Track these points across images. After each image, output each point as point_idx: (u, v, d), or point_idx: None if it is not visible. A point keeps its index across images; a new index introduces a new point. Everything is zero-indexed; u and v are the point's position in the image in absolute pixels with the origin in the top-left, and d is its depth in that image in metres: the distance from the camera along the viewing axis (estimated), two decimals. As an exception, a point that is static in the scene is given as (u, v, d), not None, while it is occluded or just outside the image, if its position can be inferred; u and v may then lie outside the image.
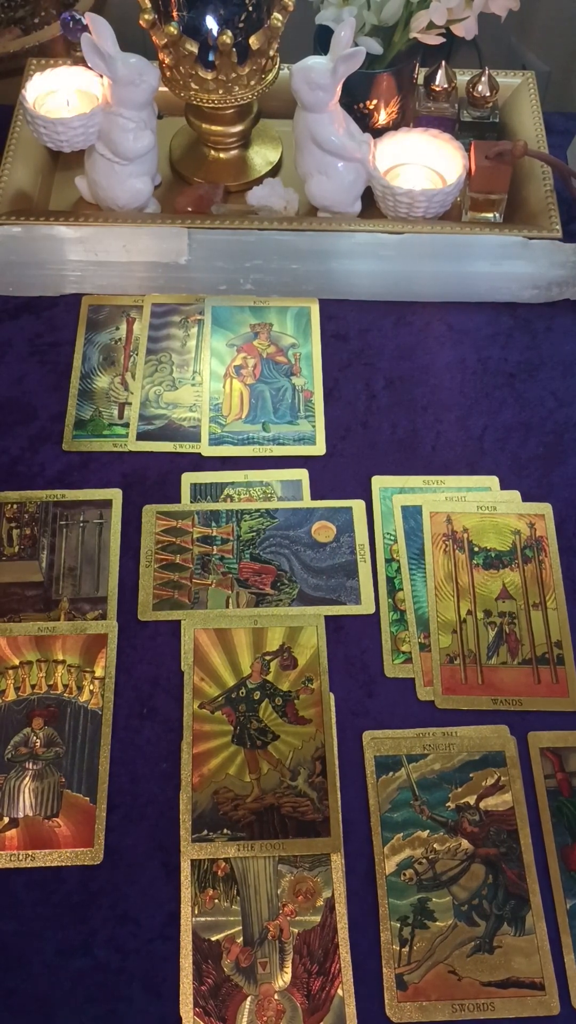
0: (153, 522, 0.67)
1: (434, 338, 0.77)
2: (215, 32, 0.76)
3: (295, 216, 0.83)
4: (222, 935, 0.53)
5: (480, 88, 0.86)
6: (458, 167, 0.80)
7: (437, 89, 0.86)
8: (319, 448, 0.71)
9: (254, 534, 0.66)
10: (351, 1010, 0.51)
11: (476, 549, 0.66)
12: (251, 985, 0.51)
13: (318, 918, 0.53)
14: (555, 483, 0.70)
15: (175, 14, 0.76)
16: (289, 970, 0.52)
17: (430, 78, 0.86)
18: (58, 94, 0.82)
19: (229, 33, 0.73)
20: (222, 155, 0.87)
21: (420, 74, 0.86)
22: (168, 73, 0.79)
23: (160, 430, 0.72)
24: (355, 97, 0.82)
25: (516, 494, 0.69)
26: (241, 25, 0.77)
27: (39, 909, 0.54)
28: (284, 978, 0.52)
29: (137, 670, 0.61)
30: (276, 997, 0.51)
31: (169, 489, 0.69)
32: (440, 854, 0.55)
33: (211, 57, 0.76)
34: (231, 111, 0.83)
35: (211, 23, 0.76)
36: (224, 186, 0.85)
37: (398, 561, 0.66)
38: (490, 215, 0.82)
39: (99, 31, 0.73)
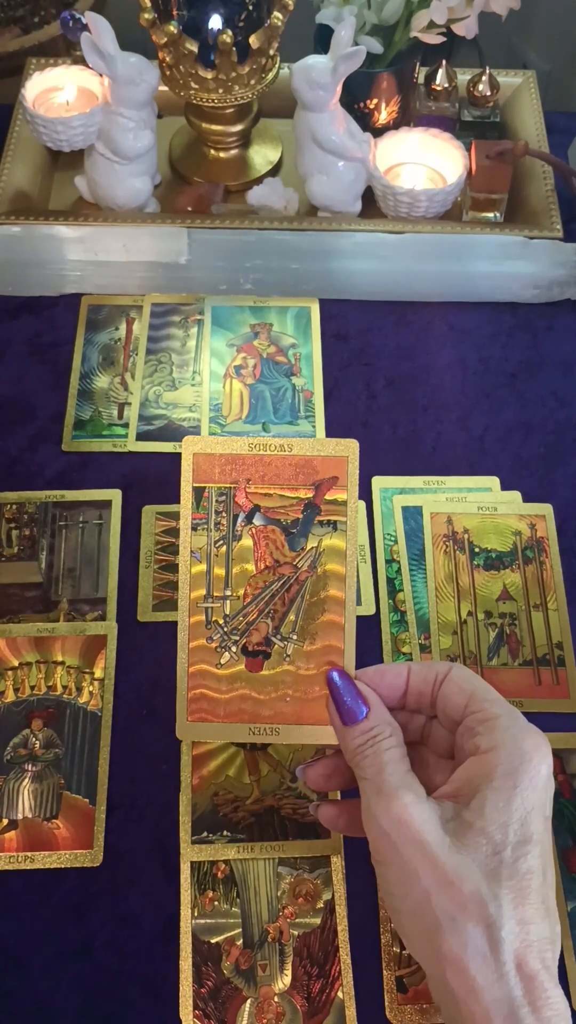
0: (153, 523, 0.67)
1: (435, 338, 0.77)
2: (215, 31, 0.76)
3: (295, 216, 0.83)
4: (222, 937, 0.53)
5: (481, 87, 0.86)
6: (459, 167, 0.80)
7: (438, 88, 0.85)
8: (319, 448, 0.71)
9: (254, 535, 0.66)
10: (351, 1012, 0.51)
11: (477, 550, 0.66)
12: (251, 988, 0.51)
13: (318, 920, 0.53)
14: (556, 483, 0.69)
15: (175, 13, 0.76)
16: (289, 972, 0.52)
17: (431, 77, 0.86)
18: (58, 94, 0.82)
19: (229, 32, 0.73)
20: (222, 155, 0.87)
21: (420, 73, 0.86)
22: (168, 72, 0.79)
23: (160, 430, 0.72)
24: (355, 96, 0.82)
25: (517, 495, 0.68)
26: (241, 24, 0.76)
27: (38, 911, 0.54)
28: (284, 980, 0.52)
29: (137, 671, 0.61)
30: (276, 999, 0.51)
31: (169, 490, 0.68)
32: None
33: (211, 56, 0.76)
34: (231, 110, 0.82)
35: (211, 22, 0.76)
36: (224, 186, 0.85)
37: (398, 562, 0.65)
38: (491, 215, 0.82)
39: (99, 30, 0.73)
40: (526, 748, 0.39)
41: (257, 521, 0.44)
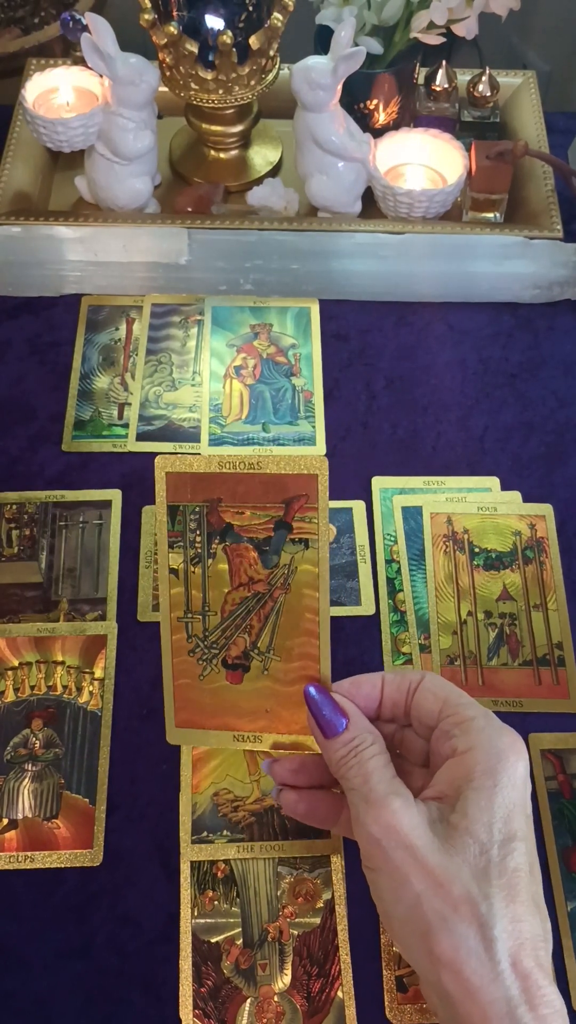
0: (153, 523, 0.67)
1: (435, 338, 0.77)
2: (215, 32, 0.76)
3: (295, 216, 0.83)
4: (222, 937, 0.53)
5: (481, 88, 0.86)
6: (458, 167, 0.80)
7: (437, 89, 0.85)
8: (319, 449, 0.71)
9: (254, 535, 0.66)
10: (351, 1012, 0.51)
11: (477, 550, 0.66)
12: (251, 987, 0.51)
13: (318, 920, 0.53)
14: (556, 484, 0.69)
15: (175, 14, 0.76)
16: (289, 972, 0.52)
17: (430, 78, 0.86)
18: (58, 94, 0.82)
19: (229, 33, 0.73)
20: (222, 155, 0.87)
21: (420, 74, 0.86)
22: (168, 73, 0.79)
23: (160, 430, 0.72)
24: (355, 97, 0.82)
25: (517, 495, 0.68)
26: (241, 25, 0.76)
27: (38, 910, 0.54)
28: (284, 980, 0.52)
29: (137, 671, 0.61)
30: (276, 999, 0.51)
31: (169, 490, 0.68)
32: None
33: (211, 57, 0.76)
34: (231, 111, 0.82)
35: (211, 23, 0.76)
36: (224, 186, 0.85)
37: (398, 562, 0.65)
38: (491, 215, 0.82)
39: (99, 31, 0.73)
40: (502, 747, 0.39)
41: (230, 539, 0.44)
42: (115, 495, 0.68)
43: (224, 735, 0.46)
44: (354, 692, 0.44)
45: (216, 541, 0.44)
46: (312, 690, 0.43)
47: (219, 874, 0.54)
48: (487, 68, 0.86)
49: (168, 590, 0.45)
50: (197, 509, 0.44)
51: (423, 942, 0.37)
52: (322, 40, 0.80)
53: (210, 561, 0.44)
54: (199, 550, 0.44)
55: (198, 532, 0.44)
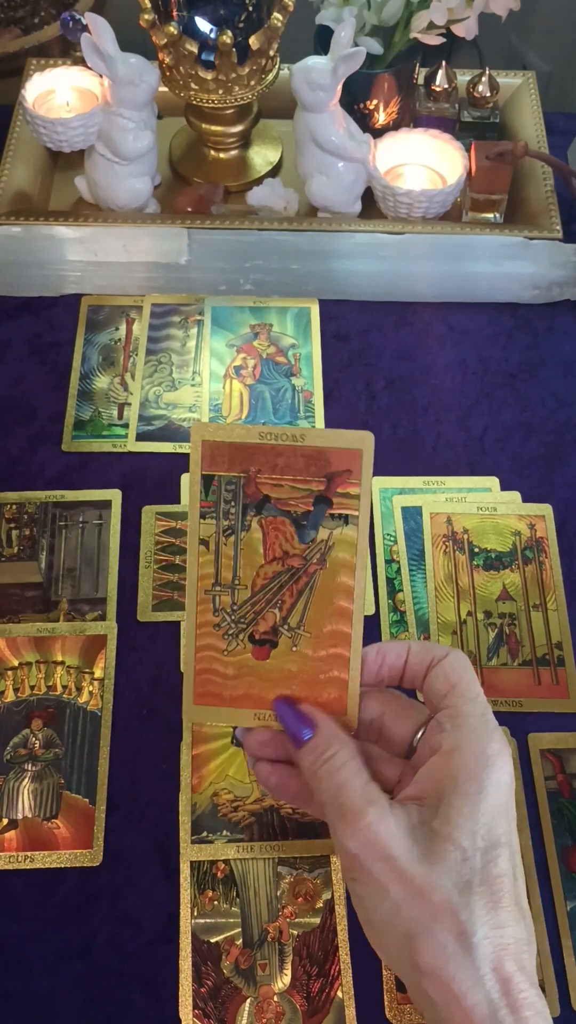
0: (153, 523, 0.67)
1: (434, 338, 0.77)
2: (215, 32, 0.76)
3: (295, 216, 0.83)
4: (221, 937, 0.53)
5: (480, 88, 0.86)
6: (458, 167, 0.80)
7: (437, 89, 0.85)
8: (319, 449, 0.71)
9: (254, 535, 0.66)
10: (351, 1012, 0.51)
11: (476, 550, 0.66)
12: (251, 987, 0.51)
13: (318, 920, 0.53)
14: (556, 484, 0.69)
15: (175, 14, 0.76)
16: (289, 972, 0.52)
17: (430, 78, 0.86)
18: (58, 94, 0.82)
19: (229, 33, 0.73)
20: (222, 155, 0.87)
21: (420, 74, 0.86)
22: (168, 73, 0.79)
23: (160, 430, 0.72)
24: (355, 97, 0.82)
25: (516, 495, 0.69)
26: (241, 25, 0.76)
27: (38, 911, 0.54)
28: (284, 980, 0.52)
29: (137, 671, 0.61)
30: (276, 999, 0.51)
31: (169, 490, 0.68)
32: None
33: (211, 57, 0.76)
34: (231, 111, 0.83)
35: (211, 23, 0.76)
36: (224, 186, 0.85)
37: (398, 562, 0.65)
38: (490, 215, 0.82)
39: (99, 31, 0.73)
40: (490, 752, 0.38)
41: (267, 512, 0.43)
42: (115, 495, 0.68)
43: (244, 713, 0.45)
44: (380, 661, 0.43)
45: (251, 513, 0.43)
46: (277, 704, 0.43)
47: (219, 874, 0.54)
48: (487, 68, 0.86)
49: (196, 560, 0.44)
50: (233, 480, 0.43)
51: (404, 950, 0.37)
52: (322, 40, 0.80)
53: (243, 533, 0.43)
54: (232, 522, 0.43)
55: (233, 503, 0.43)
